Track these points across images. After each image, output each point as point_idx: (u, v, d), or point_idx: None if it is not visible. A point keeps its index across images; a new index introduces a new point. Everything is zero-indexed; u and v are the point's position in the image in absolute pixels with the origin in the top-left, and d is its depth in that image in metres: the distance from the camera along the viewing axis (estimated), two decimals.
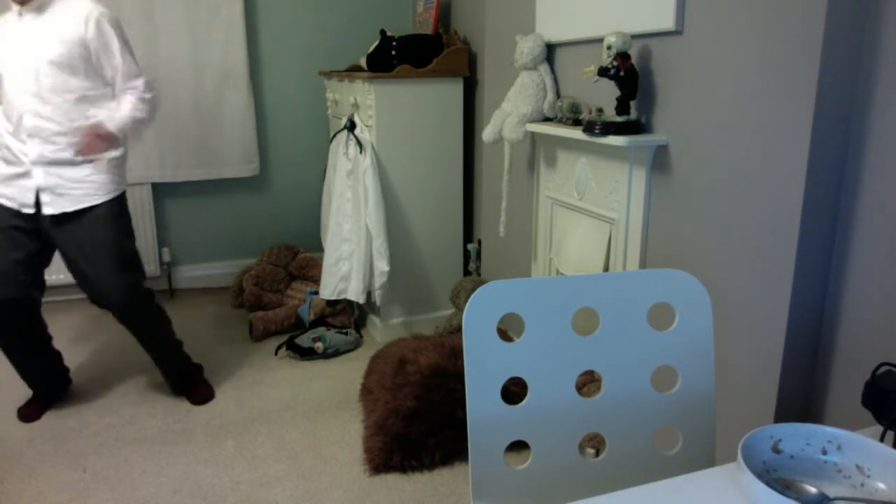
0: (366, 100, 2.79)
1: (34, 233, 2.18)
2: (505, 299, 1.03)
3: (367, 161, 2.72)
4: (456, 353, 2.23)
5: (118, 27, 2.14)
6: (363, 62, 2.89)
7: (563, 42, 2.21)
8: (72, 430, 2.28)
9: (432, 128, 2.89)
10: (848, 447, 0.80)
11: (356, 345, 2.94)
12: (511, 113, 2.26)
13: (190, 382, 2.51)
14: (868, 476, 0.78)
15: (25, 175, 2.11)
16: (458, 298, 2.85)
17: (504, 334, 1.04)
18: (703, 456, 1.12)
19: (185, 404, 2.45)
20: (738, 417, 1.62)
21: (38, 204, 2.13)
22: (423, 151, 2.90)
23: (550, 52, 2.29)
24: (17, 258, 2.15)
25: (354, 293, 2.85)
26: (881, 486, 0.77)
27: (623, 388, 1.09)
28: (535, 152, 2.39)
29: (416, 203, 2.93)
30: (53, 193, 2.13)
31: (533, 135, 2.37)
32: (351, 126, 2.82)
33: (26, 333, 2.27)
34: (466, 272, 3.19)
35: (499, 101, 2.41)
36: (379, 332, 2.98)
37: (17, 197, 2.13)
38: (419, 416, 2.09)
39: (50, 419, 2.34)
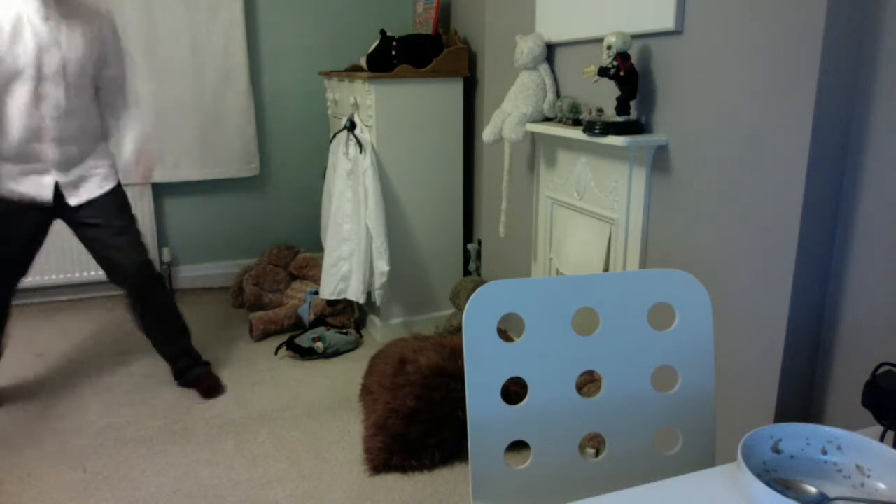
0: (366, 100, 2.79)
1: (40, 226, 2.29)
2: (505, 299, 1.03)
3: (367, 161, 2.72)
4: (456, 353, 2.23)
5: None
6: (363, 62, 2.89)
7: (563, 42, 2.21)
8: (72, 430, 2.28)
9: (432, 128, 2.89)
10: (848, 447, 0.80)
11: (356, 345, 2.94)
12: (511, 113, 2.26)
13: (198, 373, 2.56)
14: (868, 476, 0.78)
15: (43, 172, 2.20)
16: (458, 298, 2.85)
17: (504, 334, 1.04)
18: (703, 456, 1.12)
19: (185, 404, 2.45)
20: (738, 417, 1.62)
21: (55, 196, 2.24)
22: (423, 151, 2.90)
23: (550, 52, 2.29)
24: (18, 254, 2.28)
25: (354, 293, 2.85)
26: (881, 486, 0.77)
27: (623, 388, 1.09)
28: (535, 152, 2.39)
29: (416, 203, 2.93)
30: (74, 186, 2.25)
31: (533, 135, 2.37)
32: (351, 126, 2.82)
33: None
34: (466, 272, 3.19)
35: (499, 101, 2.41)
36: (379, 332, 2.98)
37: (33, 192, 2.21)
38: (419, 416, 2.09)
39: (50, 419, 2.34)
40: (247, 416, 2.38)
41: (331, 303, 3.00)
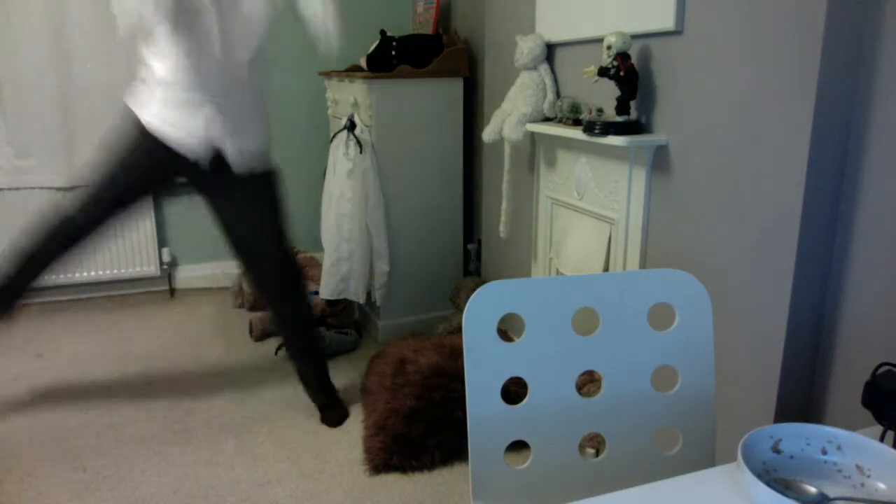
0: (366, 100, 2.79)
1: (169, 169, 2.15)
2: (505, 299, 1.03)
3: (366, 161, 2.72)
4: (456, 353, 2.23)
5: None
6: (363, 62, 2.89)
7: (563, 42, 2.22)
8: (72, 430, 2.28)
9: (432, 128, 2.89)
10: (848, 447, 0.80)
11: (356, 345, 2.94)
12: (511, 113, 2.26)
13: (330, 394, 2.39)
14: (868, 476, 0.78)
15: (207, 104, 2.01)
16: (458, 298, 2.85)
17: (504, 334, 1.04)
18: (703, 456, 1.12)
19: (185, 404, 2.45)
20: (738, 417, 1.62)
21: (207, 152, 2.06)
22: (423, 151, 2.90)
23: (550, 52, 2.29)
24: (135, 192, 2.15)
25: (354, 293, 2.85)
26: (881, 486, 0.77)
27: (623, 388, 1.09)
28: (535, 152, 2.39)
29: (416, 203, 2.93)
30: (235, 131, 2.06)
31: (533, 135, 2.37)
32: (351, 126, 2.82)
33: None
34: (466, 272, 3.19)
35: (499, 101, 2.41)
36: (379, 332, 2.98)
37: (186, 129, 2.00)
38: (419, 416, 2.09)
39: (50, 419, 2.34)
40: (247, 416, 2.38)
41: (331, 303, 3.00)
